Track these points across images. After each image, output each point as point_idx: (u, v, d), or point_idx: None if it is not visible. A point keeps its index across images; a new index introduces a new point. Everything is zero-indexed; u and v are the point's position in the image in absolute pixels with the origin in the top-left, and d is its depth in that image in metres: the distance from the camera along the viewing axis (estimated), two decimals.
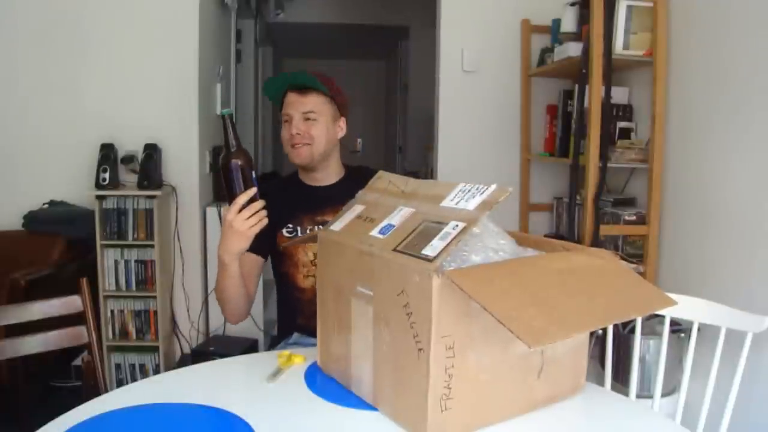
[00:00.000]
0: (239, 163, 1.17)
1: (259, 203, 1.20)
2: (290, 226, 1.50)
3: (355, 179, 1.35)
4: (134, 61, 2.83)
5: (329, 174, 1.55)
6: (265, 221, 1.22)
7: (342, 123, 1.55)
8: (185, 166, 2.88)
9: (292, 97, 1.48)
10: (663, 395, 1.67)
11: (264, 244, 1.42)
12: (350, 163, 1.63)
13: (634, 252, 2.24)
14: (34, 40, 2.77)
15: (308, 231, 1.48)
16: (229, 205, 1.19)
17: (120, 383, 2.72)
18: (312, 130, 1.46)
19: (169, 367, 2.75)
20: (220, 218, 2.90)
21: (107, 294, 2.67)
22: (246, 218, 1.18)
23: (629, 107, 2.42)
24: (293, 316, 1.52)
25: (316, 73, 1.49)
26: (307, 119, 1.46)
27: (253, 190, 1.18)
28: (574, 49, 2.30)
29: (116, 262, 2.68)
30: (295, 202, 1.53)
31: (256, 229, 1.20)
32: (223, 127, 1.17)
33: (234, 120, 1.19)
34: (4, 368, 2.08)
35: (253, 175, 1.19)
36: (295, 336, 1.50)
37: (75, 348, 1.41)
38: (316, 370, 1.12)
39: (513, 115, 2.87)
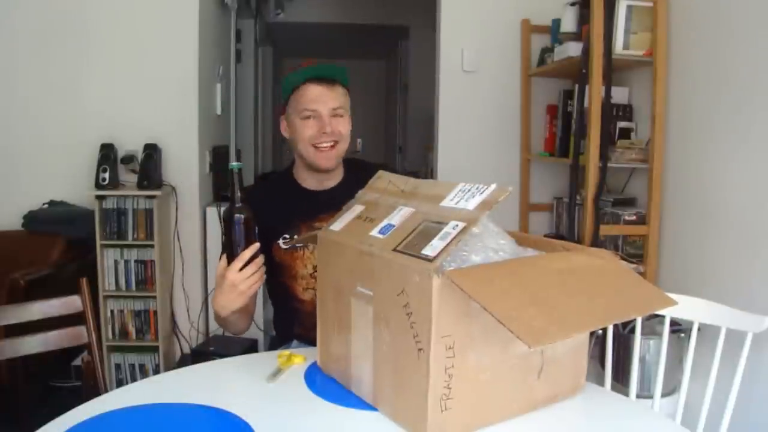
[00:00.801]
0: (243, 217, 1.12)
1: (261, 259, 1.14)
2: (287, 236, 1.38)
3: (354, 174, 1.31)
4: (134, 61, 2.83)
5: (334, 175, 1.43)
6: (264, 278, 1.17)
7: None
8: (185, 166, 2.89)
9: (316, 90, 1.33)
10: (663, 395, 1.67)
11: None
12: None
13: (634, 252, 2.24)
14: (34, 40, 2.77)
15: None
16: (228, 260, 1.12)
17: (120, 383, 2.72)
18: (341, 128, 1.35)
19: (169, 367, 2.75)
20: (220, 219, 2.90)
21: (107, 294, 2.67)
22: (248, 276, 1.11)
23: (629, 107, 2.42)
24: (290, 325, 1.45)
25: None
26: (335, 115, 1.33)
27: (256, 246, 1.13)
28: (574, 49, 2.30)
29: (116, 262, 2.68)
30: (291, 208, 1.40)
31: (257, 287, 1.15)
32: (230, 180, 1.13)
33: (242, 175, 1.15)
34: (4, 368, 2.08)
35: (256, 231, 1.15)
36: (295, 343, 1.44)
37: (75, 348, 1.41)
38: (316, 370, 1.11)
39: (513, 115, 2.87)
